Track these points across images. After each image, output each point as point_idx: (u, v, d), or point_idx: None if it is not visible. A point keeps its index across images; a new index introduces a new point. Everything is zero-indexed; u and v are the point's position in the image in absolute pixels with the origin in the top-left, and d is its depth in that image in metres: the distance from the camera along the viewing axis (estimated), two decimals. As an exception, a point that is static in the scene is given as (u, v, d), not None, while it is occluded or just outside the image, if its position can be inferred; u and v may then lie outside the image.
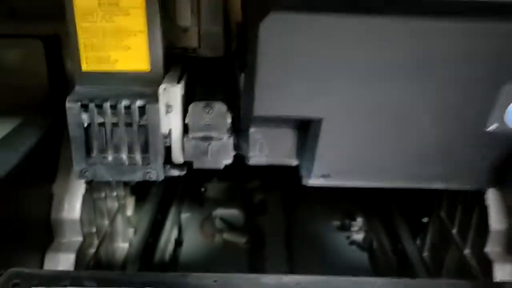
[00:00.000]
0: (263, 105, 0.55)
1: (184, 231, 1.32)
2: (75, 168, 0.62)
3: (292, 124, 0.65)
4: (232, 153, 0.65)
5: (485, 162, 0.60)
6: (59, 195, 0.91)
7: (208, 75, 0.68)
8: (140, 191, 1.27)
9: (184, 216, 1.35)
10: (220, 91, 0.64)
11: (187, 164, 0.66)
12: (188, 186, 1.41)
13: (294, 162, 0.68)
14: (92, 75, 0.61)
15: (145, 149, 0.62)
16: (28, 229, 0.84)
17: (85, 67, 0.60)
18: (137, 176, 0.63)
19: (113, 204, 1.10)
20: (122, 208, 1.13)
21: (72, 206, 0.92)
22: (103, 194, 1.05)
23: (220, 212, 1.32)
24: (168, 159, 0.65)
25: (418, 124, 0.58)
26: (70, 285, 0.61)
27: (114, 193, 1.12)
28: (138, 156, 0.62)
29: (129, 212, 1.21)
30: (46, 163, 0.90)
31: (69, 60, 0.87)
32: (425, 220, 1.12)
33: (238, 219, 1.32)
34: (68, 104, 0.59)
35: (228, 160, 0.65)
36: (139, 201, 1.27)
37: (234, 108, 0.64)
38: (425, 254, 1.10)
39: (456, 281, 0.95)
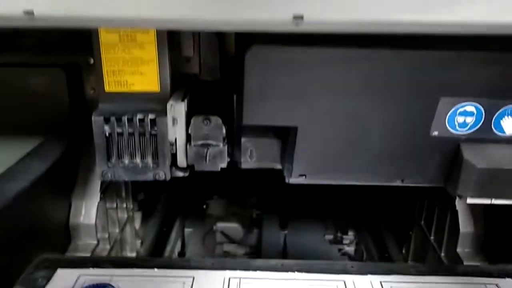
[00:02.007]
0: (249, 116, 0.69)
1: (187, 244, 1.42)
2: (98, 170, 0.75)
3: (275, 135, 0.79)
4: (227, 158, 0.78)
5: (434, 162, 0.73)
6: (77, 202, 1.02)
7: (207, 96, 0.82)
8: (147, 207, 1.39)
9: (187, 230, 1.45)
10: (216, 108, 0.77)
11: (189, 168, 0.79)
12: (191, 204, 1.50)
13: (278, 166, 0.81)
14: (113, 95, 0.75)
15: (155, 155, 0.75)
16: (49, 232, 0.95)
17: (107, 89, 0.75)
18: (149, 176, 0.76)
19: (123, 215, 1.22)
20: (130, 219, 1.24)
21: (88, 212, 1.04)
22: (114, 205, 1.18)
23: (220, 226, 1.39)
24: (174, 164, 0.78)
25: (377, 131, 0.71)
26: (92, 267, 0.74)
27: (124, 205, 1.24)
28: (149, 160, 0.75)
29: (137, 225, 1.32)
30: (66, 175, 1.01)
31: (88, 85, 1.01)
32: (411, 233, 1.23)
33: (237, 232, 1.40)
34: (94, 118, 0.73)
35: (223, 164, 0.78)
36: (146, 216, 1.38)
37: (228, 121, 0.78)
38: (409, 260, 1.19)
39: (421, 264, 1.06)
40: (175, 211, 1.47)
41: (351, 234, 1.41)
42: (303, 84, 0.65)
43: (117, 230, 1.16)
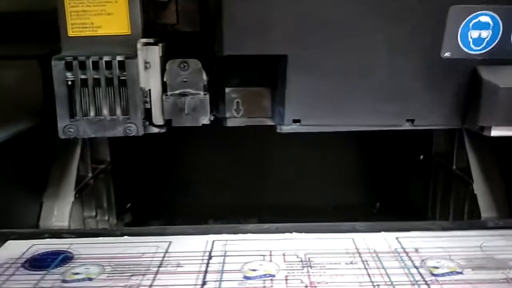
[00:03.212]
0: (231, 44, 0.60)
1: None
2: (59, 126, 0.65)
3: (264, 82, 0.69)
4: (209, 110, 0.67)
5: (448, 93, 0.62)
6: (49, 203, 0.93)
7: (186, 47, 0.73)
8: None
9: None
10: (195, 55, 0.68)
11: (167, 123, 0.68)
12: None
13: (269, 121, 0.71)
14: (77, 40, 0.66)
15: (125, 105, 0.65)
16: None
17: (70, 33, 0.66)
18: (118, 131, 0.65)
19: (104, 227, 1.09)
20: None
21: (61, 214, 0.93)
22: (93, 214, 1.06)
23: None
24: (149, 120, 0.68)
25: (380, 57, 0.61)
26: (49, 237, 0.61)
27: (106, 218, 1.12)
28: (118, 111, 0.65)
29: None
30: (37, 173, 0.92)
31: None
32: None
33: None
34: (53, 62, 0.64)
35: (205, 118, 0.67)
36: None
37: (210, 75, 0.69)
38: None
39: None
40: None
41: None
42: (289, 4, 0.56)
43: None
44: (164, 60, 0.68)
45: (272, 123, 0.70)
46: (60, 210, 0.94)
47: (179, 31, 0.73)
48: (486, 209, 0.92)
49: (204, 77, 0.67)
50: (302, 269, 0.52)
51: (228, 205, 1.23)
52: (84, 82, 0.65)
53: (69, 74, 0.64)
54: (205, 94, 0.67)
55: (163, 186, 1.24)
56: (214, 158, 1.23)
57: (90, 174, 1.03)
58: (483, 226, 0.62)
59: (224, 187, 1.25)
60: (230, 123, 0.71)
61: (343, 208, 1.20)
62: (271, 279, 0.50)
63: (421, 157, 1.14)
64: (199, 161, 1.23)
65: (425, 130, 0.78)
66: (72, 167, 0.96)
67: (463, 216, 0.96)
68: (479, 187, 0.92)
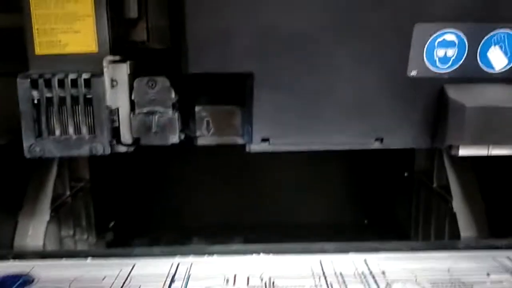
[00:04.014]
0: (195, 62, 0.59)
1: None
2: (25, 145, 0.64)
3: (234, 100, 0.69)
4: (179, 130, 0.67)
5: (416, 112, 0.62)
6: (24, 222, 0.91)
7: (156, 65, 0.72)
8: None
9: None
10: (164, 73, 0.68)
11: (135, 142, 0.67)
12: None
13: (240, 140, 0.70)
14: (44, 58, 0.65)
15: (91, 123, 0.64)
16: None
17: (38, 51, 0.65)
18: (84, 150, 0.64)
19: (83, 247, 1.08)
20: (93, 254, 1.10)
21: (36, 233, 0.92)
22: (71, 233, 1.05)
23: None
24: (118, 139, 0.67)
25: (347, 76, 0.60)
26: (13, 258, 0.60)
27: (85, 237, 1.11)
28: (84, 130, 0.64)
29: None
30: (12, 192, 0.91)
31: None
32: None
33: None
34: (18, 80, 0.63)
35: (174, 137, 0.66)
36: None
37: (180, 91, 0.68)
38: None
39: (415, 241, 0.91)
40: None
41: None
42: (255, 15, 0.56)
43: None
44: (133, 78, 0.67)
45: (243, 142, 0.69)
46: (35, 230, 0.92)
47: (149, 48, 0.73)
48: (465, 228, 0.91)
49: (173, 95, 0.66)
50: (265, 293, 0.51)
51: (213, 223, 1.22)
52: (49, 101, 0.64)
53: (34, 93, 0.63)
54: (174, 113, 0.66)
55: (147, 203, 1.22)
56: (199, 174, 1.22)
57: (68, 193, 1.02)
58: (452, 247, 0.61)
59: (209, 204, 1.24)
60: (200, 141, 0.70)
61: (330, 226, 1.19)
62: (231, 304, 0.49)
63: (406, 174, 1.13)
64: (184, 177, 1.22)
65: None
66: (48, 185, 0.95)
67: (444, 235, 0.96)
68: (458, 205, 0.92)
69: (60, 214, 0.99)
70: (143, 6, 0.70)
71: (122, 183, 1.20)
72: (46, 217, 0.93)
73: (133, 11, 0.69)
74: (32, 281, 0.55)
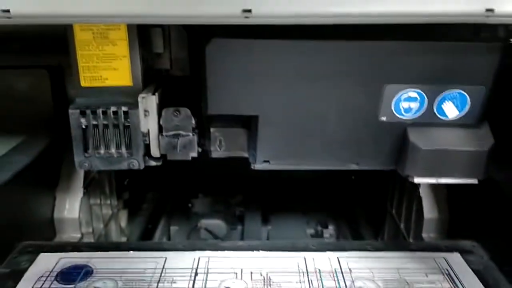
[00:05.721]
0: (213, 106, 0.76)
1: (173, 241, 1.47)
2: (76, 160, 0.81)
3: (241, 124, 0.85)
4: (197, 148, 0.84)
5: (384, 145, 0.79)
6: (61, 197, 1.07)
7: (178, 90, 0.88)
8: (133, 205, 1.44)
9: (173, 228, 1.47)
10: (186, 101, 0.83)
11: (162, 157, 0.85)
12: (176, 202, 1.54)
13: (246, 154, 0.87)
14: (88, 90, 0.80)
15: (129, 145, 0.81)
16: (34, 225, 0.99)
17: (83, 84, 0.81)
18: (123, 165, 0.82)
19: (107, 211, 1.26)
20: (115, 216, 1.29)
21: (72, 206, 1.08)
22: (98, 201, 1.23)
23: (205, 223, 1.44)
24: (148, 154, 0.84)
25: (331, 118, 0.77)
26: (72, 251, 0.79)
27: (108, 201, 1.29)
28: (123, 150, 0.81)
29: (123, 223, 1.37)
30: (50, 170, 1.05)
31: (70, 85, 1.06)
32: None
33: (221, 229, 1.44)
34: (70, 111, 0.79)
35: (194, 153, 0.84)
36: (132, 215, 1.43)
37: (198, 113, 0.84)
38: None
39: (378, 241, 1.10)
40: (161, 210, 1.50)
41: (331, 228, 1.45)
42: (260, 74, 0.71)
43: (101, 226, 1.21)
44: (160, 105, 0.83)
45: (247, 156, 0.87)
46: (71, 204, 1.09)
47: (172, 75, 0.88)
48: (429, 211, 1.10)
49: (193, 121, 0.82)
50: (264, 287, 0.71)
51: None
52: (95, 126, 0.80)
53: (83, 120, 0.79)
54: (193, 135, 0.83)
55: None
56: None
57: (95, 171, 1.19)
58: (406, 248, 0.80)
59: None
60: (214, 155, 0.87)
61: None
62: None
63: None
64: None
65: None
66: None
67: (412, 215, 1.14)
68: (424, 190, 1.10)
69: (90, 188, 1.17)
70: (167, 41, 0.84)
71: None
72: (80, 193, 1.10)
73: (159, 47, 0.83)
74: (92, 272, 0.74)
